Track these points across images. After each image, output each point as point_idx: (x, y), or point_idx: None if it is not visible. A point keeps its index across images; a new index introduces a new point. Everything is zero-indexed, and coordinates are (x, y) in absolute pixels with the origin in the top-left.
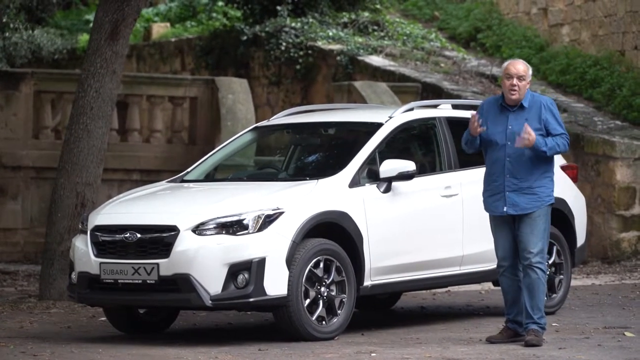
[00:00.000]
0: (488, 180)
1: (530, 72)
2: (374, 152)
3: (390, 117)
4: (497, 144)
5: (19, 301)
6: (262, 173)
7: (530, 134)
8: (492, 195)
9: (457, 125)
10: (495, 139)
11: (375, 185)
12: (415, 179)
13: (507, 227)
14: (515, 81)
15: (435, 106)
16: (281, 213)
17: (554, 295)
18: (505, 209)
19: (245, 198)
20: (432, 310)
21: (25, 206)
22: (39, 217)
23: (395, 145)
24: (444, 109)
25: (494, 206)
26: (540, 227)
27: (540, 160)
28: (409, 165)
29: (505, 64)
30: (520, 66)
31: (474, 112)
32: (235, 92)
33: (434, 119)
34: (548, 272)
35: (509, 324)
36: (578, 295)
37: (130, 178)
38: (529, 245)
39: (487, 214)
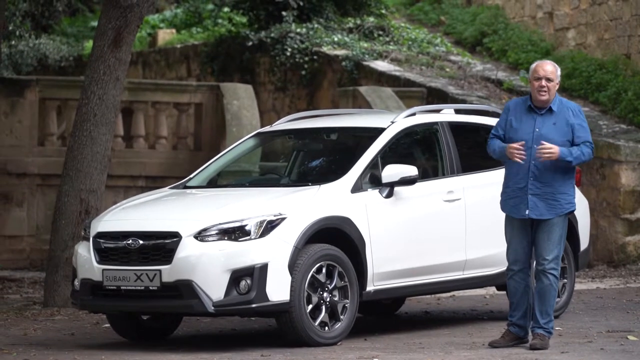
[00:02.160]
0: (509, 182)
1: (559, 72)
2: (376, 157)
3: (393, 122)
4: (522, 146)
5: (23, 308)
6: (265, 179)
7: (550, 149)
8: (512, 197)
9: (459, 130)
10: (521, 141)
11: (378, 190)
12: (417, 184)
13: (524, 231)
14: (544, 82)
15: (437, 111)
16: (283, 219)
17: (558, 299)
18: (527, 212)
19: (248, 204)
20: (436, 315)
21: (31, 213)
22: (45, 224)
23: (398, 150)
24: (447, 114)
25: (515, 209)
26: (557, 234)
27: (565, 165)
28: (411, 170)
29: (534, 65)
30: (548, 67)
31: (521, 144)
32: (241, 98)
33: (436, 123)
34: None
35: (511, 328)
36: (582, 299)
37: (135, 184)
38: (544, 252)
39: (489, 218)
